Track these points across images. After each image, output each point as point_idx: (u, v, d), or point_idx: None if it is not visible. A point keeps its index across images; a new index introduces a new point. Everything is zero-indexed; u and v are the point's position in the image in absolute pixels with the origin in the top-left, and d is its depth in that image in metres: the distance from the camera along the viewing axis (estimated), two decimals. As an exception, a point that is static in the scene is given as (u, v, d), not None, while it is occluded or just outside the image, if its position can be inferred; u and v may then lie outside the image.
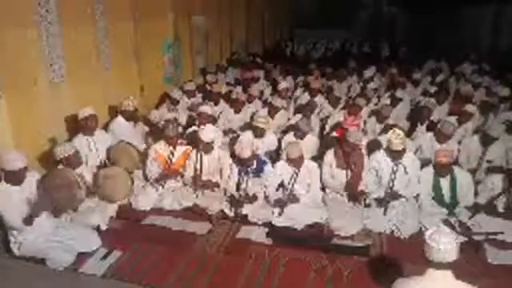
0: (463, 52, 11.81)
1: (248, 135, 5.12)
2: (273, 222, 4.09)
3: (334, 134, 5.24)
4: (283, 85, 6.94)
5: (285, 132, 5.60)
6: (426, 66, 10.11)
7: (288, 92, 7.08)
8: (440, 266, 2.20)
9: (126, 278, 3.35)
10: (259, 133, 5.03)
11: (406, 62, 10.72)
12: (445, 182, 4.08)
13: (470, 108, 5.71)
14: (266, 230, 4.02)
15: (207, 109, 5.48)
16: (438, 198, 4.12)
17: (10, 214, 3.36)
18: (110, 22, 5.76)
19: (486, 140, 4.77)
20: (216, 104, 6.44)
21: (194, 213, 4.34)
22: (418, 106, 6.43)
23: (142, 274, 3.39)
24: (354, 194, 4.27)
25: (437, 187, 4.10)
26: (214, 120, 5.68)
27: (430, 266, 2.24)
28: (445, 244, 2.17)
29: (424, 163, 4.42)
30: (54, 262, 3.45)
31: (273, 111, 6.00)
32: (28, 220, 3.37)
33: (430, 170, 4.17)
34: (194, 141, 4.80)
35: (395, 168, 4.17)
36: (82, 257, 3.56)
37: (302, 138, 4.94)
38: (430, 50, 13.09)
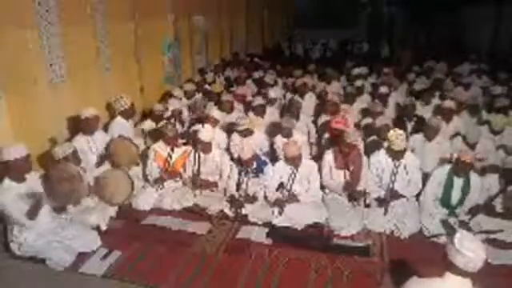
0: (463, 52, 11.82)
1: (236, 136, 5.12)
2: (273, 222, 4.09)
3: (327, 134, 5.22)
4: (272, 94, 6.66)
5: (274, 135, 5.37)
6: (425, 66, 10.08)
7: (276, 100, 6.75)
8: (463, 273, 2.12)
9: (125, 277, 3.36)
10: (246, 132, 5.01)
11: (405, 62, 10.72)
12: (458, 183, 3.99)
13: (447, 104, 5.61)
14: (266, 229, 4.03)
15: (217, 113, 5.46)
16: (445, 197, 4.04)
17: (15, 211, 3.36)
18: (110, 22, 5.76)
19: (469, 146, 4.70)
20: (216, 104, 6.42)
21: (194, 213, 4.34)
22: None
23: (142, 274, 3.39)
24: (353, 195, 4.27)
25: (448, 186, 4.02)
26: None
27: (450, 270, 2.15)
28: (478, 254, 2.08)
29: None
30: (54, 262, 3.45)
31: (260, 110, 5.79)
32: (32, 213, 3.38)
33: (444, 169, 4.09)
34: (193, 141, 4.80)
35: (396, 168, 4.18)
36: (82, 257, 3.57)
37: (288, 137, 4.87)
38: (430, 50, 13.09)
